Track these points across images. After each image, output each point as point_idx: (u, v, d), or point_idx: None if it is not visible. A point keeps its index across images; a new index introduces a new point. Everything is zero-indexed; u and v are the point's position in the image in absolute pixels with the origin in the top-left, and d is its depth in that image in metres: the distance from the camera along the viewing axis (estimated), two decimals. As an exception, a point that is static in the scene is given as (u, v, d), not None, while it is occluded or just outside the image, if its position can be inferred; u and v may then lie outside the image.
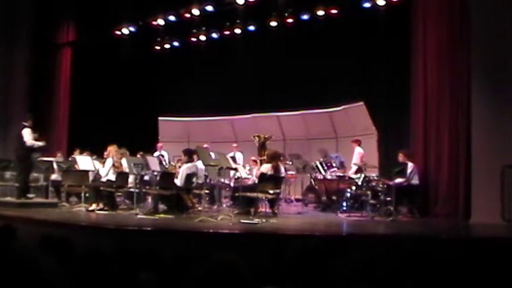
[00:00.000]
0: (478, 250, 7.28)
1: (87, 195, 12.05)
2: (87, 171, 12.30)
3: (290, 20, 15.51)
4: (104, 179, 12.02)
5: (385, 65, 14.44)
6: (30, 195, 12.68)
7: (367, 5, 13.87)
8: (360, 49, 15.02)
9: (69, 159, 14.41)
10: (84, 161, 12.62)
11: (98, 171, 12.41)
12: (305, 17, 15.33)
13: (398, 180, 11.05)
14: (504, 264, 6.50)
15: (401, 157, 11.51)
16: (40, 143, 12.51)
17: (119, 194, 12.48)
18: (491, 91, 9.85)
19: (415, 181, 11.30)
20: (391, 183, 10.92)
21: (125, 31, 16.95)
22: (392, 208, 10.66)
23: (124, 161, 11.97)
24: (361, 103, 14.78)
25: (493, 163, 9.19)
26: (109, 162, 12.05)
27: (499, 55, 9.71)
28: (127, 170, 11.83)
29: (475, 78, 10.07)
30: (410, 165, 11.28)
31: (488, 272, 6.16)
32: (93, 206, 11.56)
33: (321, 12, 14.69)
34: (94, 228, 9.19)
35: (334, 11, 14.55)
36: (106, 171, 12.01)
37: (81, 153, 14.15)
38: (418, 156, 11.57)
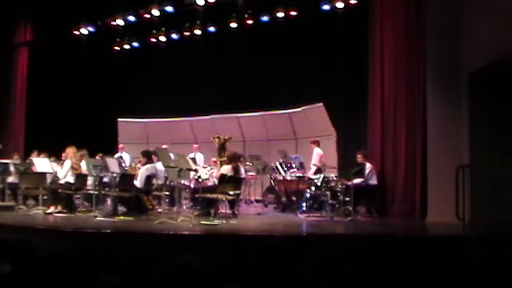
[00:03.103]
0: (433, 248, 7.44)
1: (45, 197, 11.89)
2: (44, 174, 12.13)
3: (250, 22, 15.56)
4: (62, 181, 11.87)
5: (344, 66, 14.62)
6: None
7: (326, 7, 14.02)
8: (319, 50, 15.15)
9: (26, 161, 14.19)
10: (41, 163, 12.44)
11: (56, 173, 12.25)
12: (265, 18, 15.39)
13: (357, 180, 11.22)
14: (458, 262, 6.64)
15: (359, 158, 11.69)
16: None
17: (78, 196, 12.34)
18: (446, 94, 10.08)
19: (373, 181, 11.48)
20: (349, 183, 11.06)
21: (84, 31, 16.75)
22: (350, 208, 10.82)
23: (83, 163, 11.84)
24: (320, 104, 14.89)
25: (448, 163, 9.39)
26: (67, 164, 11.90)
27: (452, 59, 9.94)
28: (86, 172, 11.71)
29: (430, 81, 10.30)
30: (368, 166, 11.47)
31: (443, 270, 6.29)
32: (51, 209, 11.42)
33: (280, 14, 14.79)
34: (52, 232, 9.06)
35: (293, 13, 14.66)
36: (64, 173, 11.85)
37: (38, 155, 13.93)
38: (375, 157, 11.77)
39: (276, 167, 13.22)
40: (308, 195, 11.95)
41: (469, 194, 9.12)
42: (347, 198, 11.09)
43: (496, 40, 8.58)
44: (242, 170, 11.57)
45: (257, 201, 14.40)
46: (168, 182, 11.44)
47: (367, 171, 11.43)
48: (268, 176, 13.88)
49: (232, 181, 10.81)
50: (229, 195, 10.60)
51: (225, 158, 12.11)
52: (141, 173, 11.29)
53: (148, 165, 11.40)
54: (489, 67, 8.82)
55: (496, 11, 8.67)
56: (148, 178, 11.25)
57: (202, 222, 9.79)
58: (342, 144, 14.60)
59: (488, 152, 9.08)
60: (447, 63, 10.08)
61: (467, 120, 9.61)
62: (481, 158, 9.25)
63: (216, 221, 9.87)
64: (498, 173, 8.56)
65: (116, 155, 14.85)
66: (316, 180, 11.96)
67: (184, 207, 12.44)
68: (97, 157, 12.50)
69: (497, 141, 8.72)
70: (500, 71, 8.30)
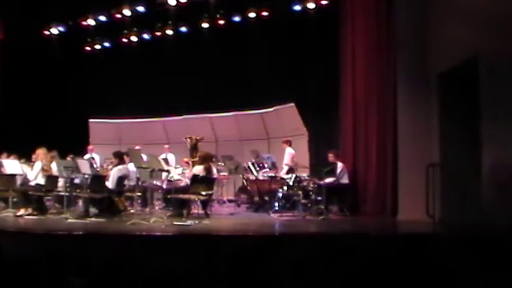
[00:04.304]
0: (405, 245, 7.54)
1: (15, 199, 11.75)
2: (14, 175, 11.99)
3: (222, 22, 15.60)
4: (32, 183, 11.72)
5: (316, 66, 14.70)
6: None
7: (297, 7, 14.12)
8: (291, 51, 15.23)
9: (-5, 163, 13.98)
10: (11, 165, 12.27)
11: (26, 175, 12.09)
12: (236, 18, 15.46)
13: (329, 180, 11.30)
14: (429, 258, 6.76)
15: (331, 157, 11.77)
16: None
17: (49, 198, 12.21)
18: (416, 94, 10.18)
19: (345, 180, 11.57)
20: (321, 182, 11.13)
21: (54, 31, 16.62)
22: (323, 207, 10.90)
23: (54, 164, 11.73)
24: (292, 104, 14.98)
25: (418, 162, 9.49)
26: (38, 165, 11.76)
27: (422, 60, 10.06)
28: (57, 173, 11.60)
29: (401, 81, 10.40)
30: (340, 165, 11.57)
31: (414, 266, 6.38)
32: (22, 211, 11.26)
33: (252, 14, 14.86)
34: (22, 234, 8.95)
35: (265, 13, 14.73)
36: (35, 175, 11.71)
37: (8, 156, 13.72)
38: (347, 156, 11.88)
39: (249, 167, 13.25)
40: (280, 194, 12.00)
41: (439, 192, 9.25)
42: (319, 198, 11.17)
43: (464, 40, 8.72)
44: (214, 170, 11.56)
45: (230, 201, 14.41)
46: (140, 183, 11.39)
47: (338, 171, 11.52)
48: (241, 176, 13.88)
49: (204, 181, 10.80)
50: (202, 195, 10.60)
51: (197, 159, 12.09)
52: (113, 174, 11.21)
53: (120, 166, 11.32)
54: (458, 67, 8.96)
55: (463, 12, 8.81)
56: (120, 179, 11.18)
57: (174, 222, 9.77)
58: (314, 144, 14.68)
59: (457, 150, 9.23)
60: (417, 63, 10.19)
61: (437, 119, 9.74)
62: (450, 156, 9.40)
63: (189, 222, 9.85)
64: (467, 171, 8.70)
65: (86, 156, 14.72)
66: (288, 180, 12.01)
67: (156, 208, 12.41)
68: (68, 158, 12.39)
69: (466, 140, 8.86)
70: (468, 70, 8.43)
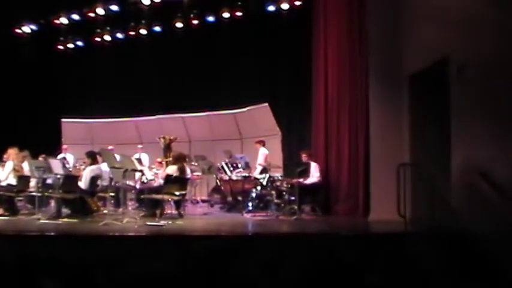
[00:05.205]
0: (376, 245, 7.63)
1: (-15, 200, 11.61)
2: (-15, 176, 11.84)
3: (195, 22, 15.61)
4: (3, 183, 11.61)
5: (289, 66, 14.78)
6: None
7: (271, 8, 14.19)
8: (265, 51, 15.30)
9: (-34, 163, 13.79)
10: (-18, 165, 12.14)
11: (-4, 175, 11.97)
12: (210, 18, 15.50)
13: (312, 179, 11.42)
14: (400, 257, 6.86)
15: (304, 157, 11.86)
16: None
17: (20, 198, 12.08)
18: (387, 95, 10.28)
19: (318, 180, 11.66)
20: (302, 181, 11.18)
21: (26, 29, 16.46)
22: (296, 207, 10.95)
23: (25, 164, 11.62)
24: (265, 104, 15.03)
25: (389, 162, 9.56)
26: (9, 165, 11.65)
27: (393, 61, 10.16)
28: (28, 173, 11.49)
29: (372, 82, 10.49)
30: (314, 165, 11.65)
31: (385, 265, 6.48)
32: (-8, 212, 11.17)
33: (226, 14, 14.90)
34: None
35: (239, 14, 14.77)
36: (6, 175, 11.59)
37: (-22, 156, 13.57)
38: (319, 156, 11.97)
39: (222, 167, 13.28)
40: (254, 194, 12.04)
41: (409, 192, 9.36)
42: (292, 198, 11.22)
43: (435, 42, 8.84)
44: (188, 170, 11.55)
45: (203, 201, 14.43)
46: (113, 183, 11.33)
47: (313, 170, 11.61)
48: (214, 176, 13.90)
49: (178, 181, 10.80)
50: (175, 195, 10.60)
51: (170, 159, 12.07)
52: (86, 174, 11.14)
53: (93, 166, 11.26)
54: (428, 68, 9.08)
55: (435, 13, 8.92)
56: (93, 179, 11.12)
57: (148, 223, 9.75)
58: (287, 144, 14.75)
59: (428, 151, 9.36)
60: (389, 64, 10.27)
61: (409, 120, 9.87)
62: (421, 156, 9.52)
63: (162, 222, 9.84)
64: (437, 171, 8.82)
65: (59, 156, 14.61)
66: (261, 180, 12.07)
67: (129, 208, 12.36)
68: (40, 158, 12.28)
69: (436, 140, 8.99)
70: (438, 72, 8.55)
